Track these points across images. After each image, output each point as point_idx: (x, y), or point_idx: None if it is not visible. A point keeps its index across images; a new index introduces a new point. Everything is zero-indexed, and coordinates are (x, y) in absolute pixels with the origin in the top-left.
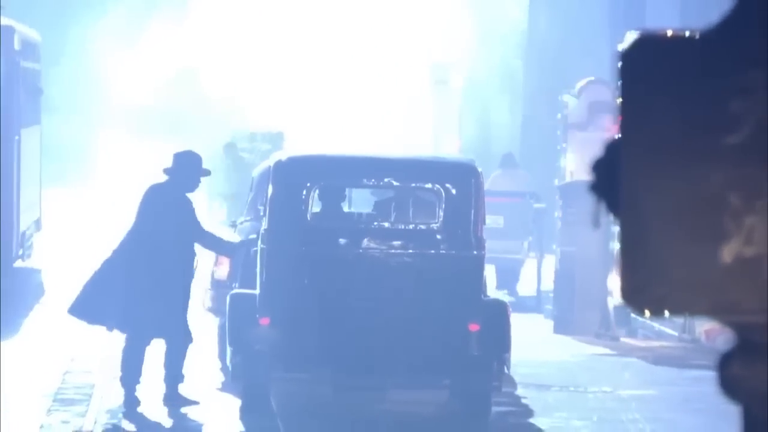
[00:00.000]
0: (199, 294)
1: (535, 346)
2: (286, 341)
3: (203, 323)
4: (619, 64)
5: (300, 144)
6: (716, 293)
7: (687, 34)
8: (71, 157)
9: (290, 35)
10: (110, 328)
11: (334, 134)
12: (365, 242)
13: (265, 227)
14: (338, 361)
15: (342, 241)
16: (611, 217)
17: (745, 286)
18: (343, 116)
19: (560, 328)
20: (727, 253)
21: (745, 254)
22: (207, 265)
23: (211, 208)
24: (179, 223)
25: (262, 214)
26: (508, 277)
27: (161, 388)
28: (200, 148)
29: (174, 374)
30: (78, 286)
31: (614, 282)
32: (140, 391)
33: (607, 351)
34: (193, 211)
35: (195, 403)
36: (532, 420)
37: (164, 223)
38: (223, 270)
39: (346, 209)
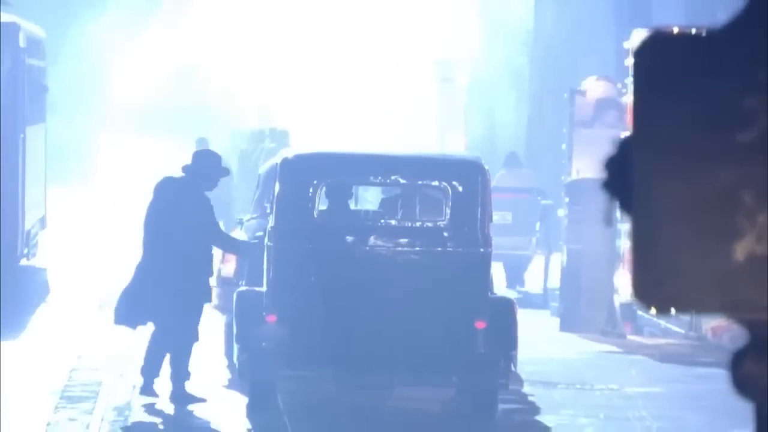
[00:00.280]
0: None
1: (541, 344)
2: (292, 339)
3: (210, 321)
4: (632, 61)
5: (305, 142)
6: (729, 291)
7: (698, 32)
8: (72, 155)
9: (294, 32)
10: (144, 324)
11: (340, 132)
12: (372, 240)
13: (272, 225)
14: (345, 358)
15: (349, 238)
16: (621, 214)
17: (758, 283)
18: (348, 114)
19: (566, 325)
20: (740, 250)
21: (757, 252)
22: (214, 263)
23: None
24: (199, 221)
25: (268, 211)
26: (516, 273)
27: (168, 386)
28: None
29: (180, 372)
30: (114, 293)
31: (620, 279)
32: (158, 385)
33: (614, 348)
34: (211, 209)
35: (202, 400)
36: (538, 417)
37: (182, 219)
38: (230, 267)
39: (352, 207)
